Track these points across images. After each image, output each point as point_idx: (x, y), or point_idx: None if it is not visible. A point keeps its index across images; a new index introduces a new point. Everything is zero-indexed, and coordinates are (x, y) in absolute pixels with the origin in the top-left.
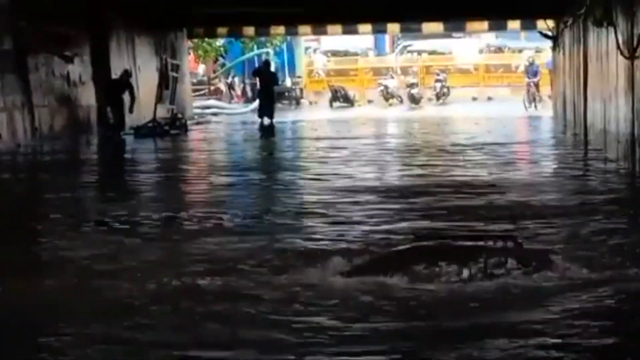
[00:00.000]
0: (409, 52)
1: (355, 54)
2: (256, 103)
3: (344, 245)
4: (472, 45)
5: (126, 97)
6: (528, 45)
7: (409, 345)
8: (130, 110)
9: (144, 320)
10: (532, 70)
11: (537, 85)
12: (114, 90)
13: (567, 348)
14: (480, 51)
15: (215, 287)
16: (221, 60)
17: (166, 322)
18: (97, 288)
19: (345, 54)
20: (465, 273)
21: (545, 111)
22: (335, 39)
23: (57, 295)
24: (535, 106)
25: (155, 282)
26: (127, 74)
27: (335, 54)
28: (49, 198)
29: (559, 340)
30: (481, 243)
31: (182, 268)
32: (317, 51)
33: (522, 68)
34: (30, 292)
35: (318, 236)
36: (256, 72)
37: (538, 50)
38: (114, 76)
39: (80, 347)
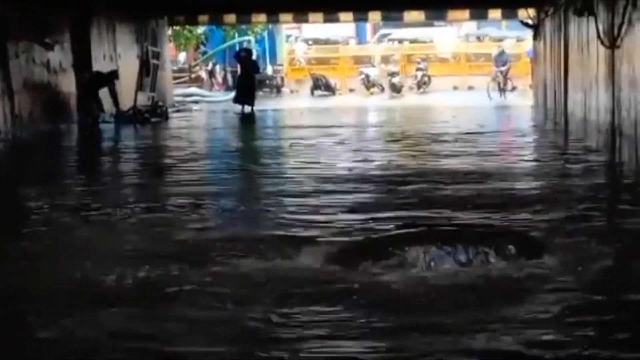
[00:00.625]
0: (389, 40)
1: (337, 42)
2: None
3: (319, 232)
4: (451, 34)
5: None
6: (509, 34)
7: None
8: (116, 105)
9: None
10: (501, 60)
11: (505, 74)
12: (95, 84)
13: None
14: (460, 40)
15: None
16: (202, 48)
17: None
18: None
19: (327, 42)
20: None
21: (516, 100)
22: (316, 27)
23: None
24: (505, 96)
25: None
26: (113, 75)
27: (316, 42)
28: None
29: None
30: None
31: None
32: (298, 39)
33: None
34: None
35: (297, 224)
36: (237, 57)
37: (519, 39)
38: (98, 69)
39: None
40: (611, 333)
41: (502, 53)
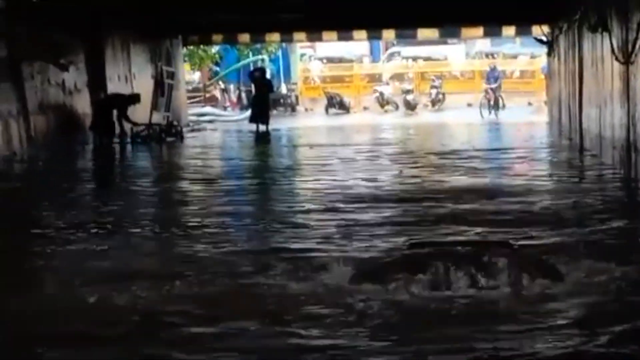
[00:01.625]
0: (404, 58)
1: (351, 61)
2: (250, 110)
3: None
4: (463, 52)
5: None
6: (523, 51)
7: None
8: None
9: None
10: (492, 76)
11: (495, 91)
12: (113, 105)
13: None
14: (472, 57)
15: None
16: (215, 67)
17: None
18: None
19: (341, 60)
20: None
21: (506, 119)
22: (330, 45)
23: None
24: (496, 114)
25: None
26: (134, 98)
27: (330, 60)
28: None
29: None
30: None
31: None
32: (312, 58)
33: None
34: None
35: (312, 244)
36: (251, 76)
37: (533, 56)
38: (115, 90)
39: None
40: None
41: (493, 69)
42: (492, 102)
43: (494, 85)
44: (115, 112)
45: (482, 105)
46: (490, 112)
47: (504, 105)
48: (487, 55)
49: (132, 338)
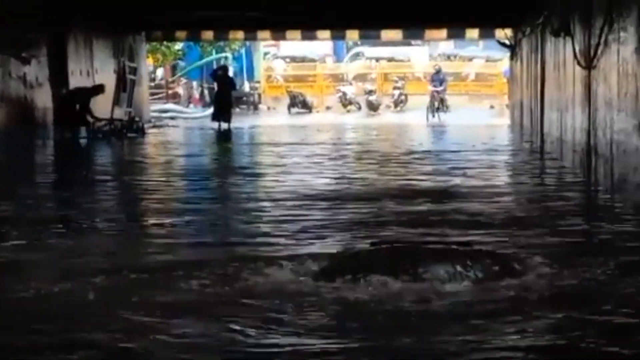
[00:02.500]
0: (367, 59)
1: (314, 60)
2: (212, 108)
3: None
4: (427, 53)
5: None
6: (479, 54)
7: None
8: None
9: None
10: (437, 79)
11: (441, 94)
12: (75, 99)
13: None
14: (435, 59)
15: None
16: (180, 63)
17: None
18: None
19: (304, 59)
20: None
21: (492, 120)
22: (294, 44)
23: None
24: (439, 117)
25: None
26: (99, 89)
27: (293, 59)
28: None
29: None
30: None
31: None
32: (275, 57)
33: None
34: None
35: (273, 242)
36: (214, 75)
37: (489, 59)
38: (77, 84)
39: None
40: None
41: (438, 72)
42: (436, 105)
43: (440, 88)
44: (78, 106)
45: (428, 108)
46: (433, 115)
47: (447, 108)
48: (449, 57)
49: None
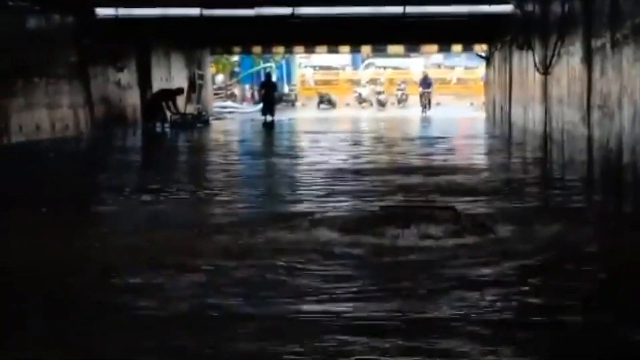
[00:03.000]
0: (377, 67)
1: (337, 68)
2: (261, 105)
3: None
4: (419, 63)
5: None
6: (459, 63)
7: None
8: (177, 113)
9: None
10: (425, 83)
11: (429, 94)
12: (161, 97)
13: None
14: (428, 67)
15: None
16: (236, 70)
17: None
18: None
19: (329, 68)
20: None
21: (473, 114)
22: (321, 56)
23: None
24: (426, 112)
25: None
26: (179, 90)
27: (321, 68)
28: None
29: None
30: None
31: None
32: (307, 66)
33: (458, 80)
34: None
35: (309, 206)
36: (261, 85)
37: (467, 68)
38: (161, 87)
39: None
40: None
41: (425, 78)
42: (424, 102)
43: (428, 90)
44: (164, 103)
45: (421, 106)
46: (423, 111)
47: (430, 105)
48: (438, 66)
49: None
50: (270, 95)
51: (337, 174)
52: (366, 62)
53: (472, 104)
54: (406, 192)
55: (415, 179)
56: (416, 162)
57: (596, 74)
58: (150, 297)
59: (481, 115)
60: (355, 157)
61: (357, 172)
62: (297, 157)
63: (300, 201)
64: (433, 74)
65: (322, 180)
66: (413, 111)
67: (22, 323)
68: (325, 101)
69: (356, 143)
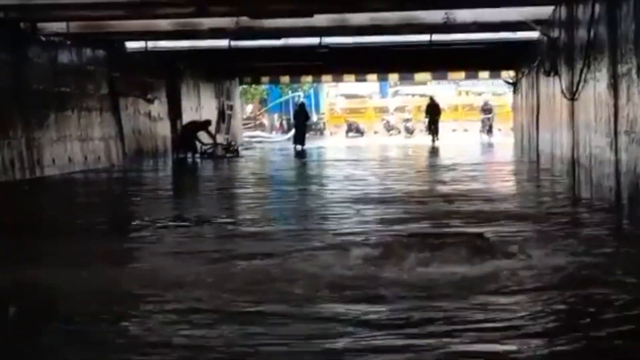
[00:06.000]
0: (404, 95)
1: (364, 97)
2: (291, 133)
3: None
4: (447, 90)
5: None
6: (486, 90)
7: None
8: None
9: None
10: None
11: (490, 120)
12: (191, 129)
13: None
14: (458, 94)
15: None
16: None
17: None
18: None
19: (357, 96)
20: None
21: (501, 140)
22: (349, 84)
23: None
24: (490, 135)
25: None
26: (207, 123)
27: (349, 96)
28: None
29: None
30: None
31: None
32: (336, 95)
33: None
34: None
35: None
36: (294, 114)
37: (495, 94)
38: (191, 118)
39: None
40: None
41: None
42: (488, 128)
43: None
44: (193, 134)
45: (480, 130)
46: (488, 135)
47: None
48: (466, 93)
49: None
50: (302, 125)
51: (364, 202)
52: (394, 89)
53: (499, 129)
54: (433, 218)
55: (446, 207)
56: (448, 190)
57: (622, 99)
58: None
59: (509, 141)
60: (384, 187)
61: (384, 201)
62: (327, 186)
63: (334, 235)
64: (460, 100)
65: (349, 207)
66: (441, 137)
67: None
68: (354, 129)
69: (384, 171)
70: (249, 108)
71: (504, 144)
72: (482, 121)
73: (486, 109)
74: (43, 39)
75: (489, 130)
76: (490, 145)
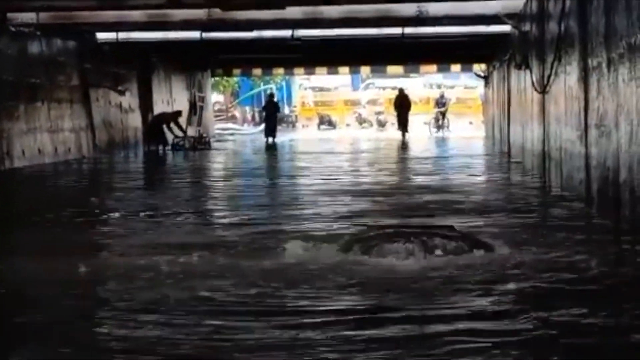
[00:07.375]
0: (377, 87)
1: (336, 89)
2: (263, 126)
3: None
4: (419, 83)
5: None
6: (458, 83)
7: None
8: (184, 134)
9: None
10: (440, 102)
11: (444, 113)
12: (160, 121)
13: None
14: (428, 87)
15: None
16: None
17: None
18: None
19: (329, 89)
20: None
21: (473, 132)
22: (322, 77)
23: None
24: (443, 130)
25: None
26: (177, 114)
27: (321, 89)
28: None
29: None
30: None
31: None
32: (307, 87)
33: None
34: None
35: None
36: (264, 107)
37: (467, 87)
38: (160, 110)
39: None
40: None
41: (442, 97)
42: (440, 122)
43: (442, 109)
44: (164, 126)
45: (431, 125)
46: (438, 131)
47: (448, 125)
48: (438, 86)
49: None
50: (272, 117)
51: (338, 194)
52: (365, 82)
53: (471, 123)
54: (409, 211)
55: (415, 199)
56: (418, 181)
57: (593, 93)
58: None
59: (480, 134)
60: (356, 177)
61: (355, 193)
62: (299, 178)
63: (308, 220)
64: (432, 93)
65: (324, 198)
66: (412, 130)
67: None
68: (326, 122)
69: (356, 163)
70: (221, 100)
71: (476, 136)
72: (435, 115)
73: (440, 103)
74: (13, 29)
75: (441, 126)
76: (445, 140)
